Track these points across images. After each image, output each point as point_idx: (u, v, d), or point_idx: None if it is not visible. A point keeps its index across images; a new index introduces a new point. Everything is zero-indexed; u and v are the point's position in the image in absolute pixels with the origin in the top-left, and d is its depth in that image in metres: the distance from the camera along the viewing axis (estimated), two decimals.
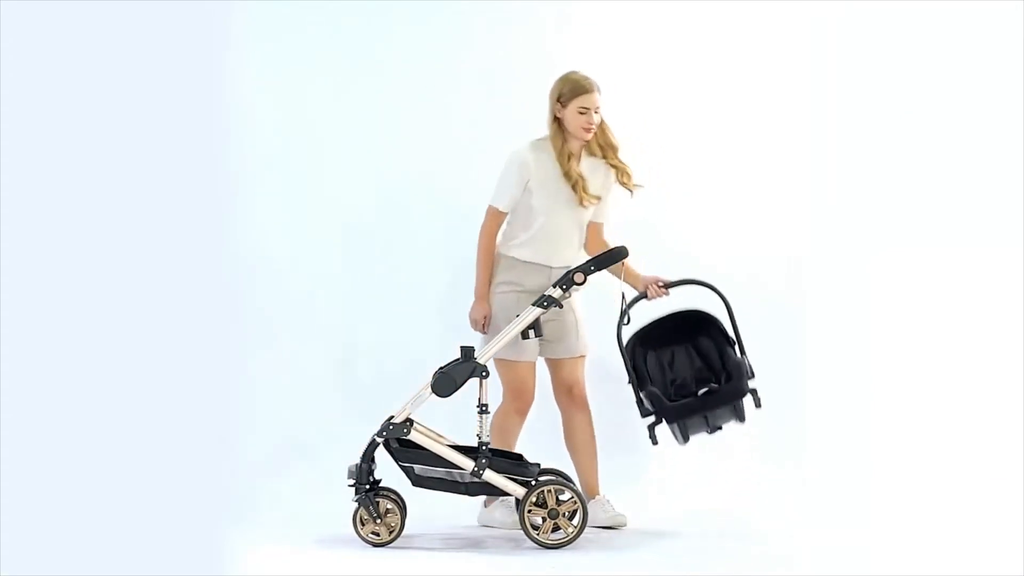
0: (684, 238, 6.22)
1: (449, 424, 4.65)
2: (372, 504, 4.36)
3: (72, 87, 2.96)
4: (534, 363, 4.68)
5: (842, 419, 5.99)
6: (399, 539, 4.40)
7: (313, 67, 6.00)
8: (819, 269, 6.20)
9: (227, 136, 3.18)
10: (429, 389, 4.39)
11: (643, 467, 5.52)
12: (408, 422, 4.40)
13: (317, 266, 5.59)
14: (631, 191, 4.71)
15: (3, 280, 2.88)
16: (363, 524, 4.39)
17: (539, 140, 4.70)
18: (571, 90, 4.62)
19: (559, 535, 4.37)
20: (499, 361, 4.61)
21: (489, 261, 4.64)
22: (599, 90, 4.64)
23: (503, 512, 4.67)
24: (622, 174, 4.69)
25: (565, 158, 4.61)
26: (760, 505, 5.06)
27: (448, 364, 4.42)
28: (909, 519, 4.76)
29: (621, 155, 4.71)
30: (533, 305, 4.41)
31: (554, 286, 4.42)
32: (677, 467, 5.52)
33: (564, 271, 4.52)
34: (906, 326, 6.17)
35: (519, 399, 4.67)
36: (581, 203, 4.61)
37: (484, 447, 4.40)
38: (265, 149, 5.75)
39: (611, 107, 6.21)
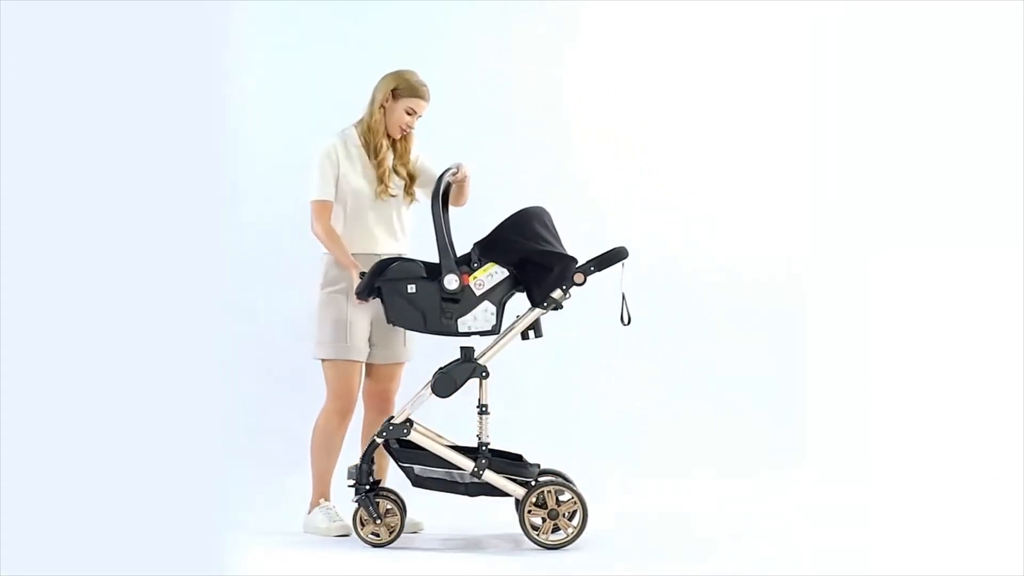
0: (684, 238, 6.23)
1: (449, 425, 4.66)
2: (372, 504, 4.36)
3: (71, 86, 2.96)
4: (361, 363, 4.62)
5: (842, 419, 6.01)
6: (399, 539, 4.40)
7: (313, 68, 6.01)
8: (819, 269, 6.21)
9: (227, 137, 3.18)
10: (429, 390, 4.39)
11: (643, 468, 5.53)
12: (408, 423, 4.40)
13: (318, 265, 5.58)
14: (409, 200, 4.68)
15: (2, 278, 2.88)
16: (363, 524, 4.39)
17: (346, 130, 4.65)
18: (409, 89, 4.60)
19: (559, 535, 4.36)
20: (327, 361, 4.59)
21: (338, 239, 4.54)
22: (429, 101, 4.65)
23: (320, 517, 4.58)
24: (408, 184, 4.66)
25: (378, 147, 4.60)
26: (760, 505, 5.06)
27: (448, 365, 4.42)
28: (909, 519, 4.76)
29: (411, 168, 4.68)
30: (535, 306, 4.39)
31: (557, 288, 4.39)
32: (677, 468, 5.53)
33: (392, 258, 4.51)
34: (906, 326, 6.18)
35: (343, 399, 4.59)
36: (380, 193, 4.58)
37: (484, 448, 4.40)
38: (266, 148, 5.76)
39: (613, 108, 6.23)
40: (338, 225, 4.59)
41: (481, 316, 4.34)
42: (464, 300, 4.33)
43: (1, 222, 2.88)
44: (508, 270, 4.35)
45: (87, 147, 2.96)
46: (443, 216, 4.37)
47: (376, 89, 4.64)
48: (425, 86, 4.64)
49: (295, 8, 6.03)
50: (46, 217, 2.92)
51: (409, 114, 4.60)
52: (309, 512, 4.63)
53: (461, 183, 4.61)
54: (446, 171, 4.47)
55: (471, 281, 4.33)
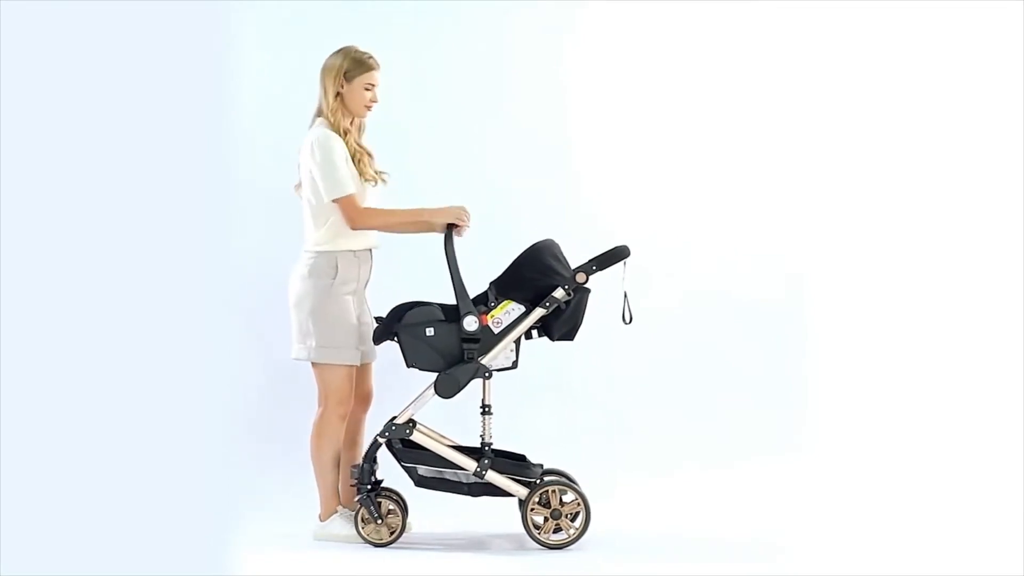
0: (684, 238, 6.23)
1: (453, 425, 4.66)
2: (373, 505, 4.36)
3: (71, 87, 2.96)
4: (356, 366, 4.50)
5: (843, 415, 6.03)
6: (400, 539, 4.39)
7: (310, 67, 6.01)
8: (819, 272, 6.23)
9: (227, 140, 3.18)
10: (432, 390, 4.38)
11: (646, 468, 5.53)
12: (411, 423, 4.39)
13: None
14: (367, 180, 4.47)
15: (2, 279, 2.88)
16: (364, 524, 4.38)
17: (321, 121, 4.46)
18: (359, 66, 4.43)
19: (561, 536, 4.36)
20: (325, 366, 4.42)
21: (392, 210, 4.43)
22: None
23: (340, 524, 4.48)
24: (363, 155, 4.50)
25: (343, 133, 4.44)
26: (763, 504, 5.05)
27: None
28: (909, 519, 4.76)
29: (364, 139, 4.55)
30: (537, 307, 4.37)
31: (559, 287, 4.38)
32: (680, 468, 5.52)
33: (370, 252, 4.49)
34: (905, 330, 6.21)
35: (345, 404, 4.46)
36: (363, 177, 4.43)
37: (487, 448, 4.40)
38: (264, 148, 5.76)
39: (613, 108, 6.23)
40: (333, 226, 4.42)
41: (501, 354, 4.37)
42: (484, 340, 4.35)
43: (1, 231, 2.88)
44: (524, 306, 4.37)
45: (87, 147, 2.96)
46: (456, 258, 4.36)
47: (324, 78, 4.45)
48: (372, 56, 4.48)
49: (291, 9, 6.03)
50: (44, 223, 2.92)
51: (368, 89, 4.45)
52: (323, 520, 4.51)
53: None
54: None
55: (489, 320, 4.35)
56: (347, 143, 4.44)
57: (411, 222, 4.45)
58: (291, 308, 4.50)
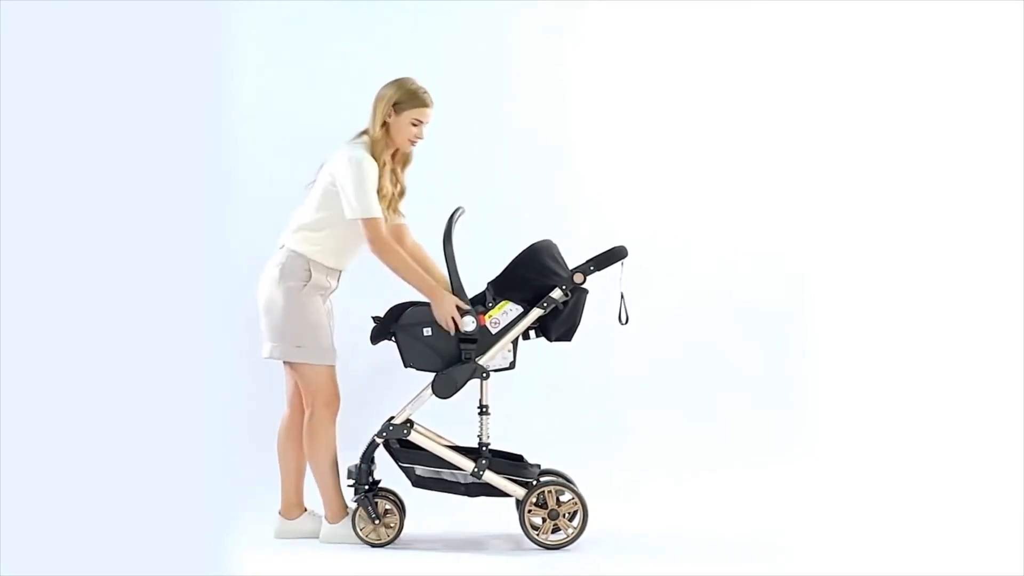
0: (683, 238, 6.24)
1: (451, 425, 4.66)
2: (371, 505, 4.36)
3: (71, 88, 2.96)
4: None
5: (843, 415, 6.04)
6: (398, 539, 4.39)
7: (310, 69, 6.01)
8: (819, 279, 6.24)
9: (227, 139, 3.18)
10: (429, 390, 4.38)
11: (643, 467, 5.53)
12: (408, 423, 4.40)
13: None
14: (391, 215, 4.42)
15: (1, 278, 2.88)
16: (362, 525, 4.38)
17: (357, 142, 4.40)
18: (411, 100, 4.37)
19: (559, 536, 4.36)
20: (306, 367, 4.37)
21: (410, 263, 4.35)
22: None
23: (344, 525, 4.44)
24: (396, 193, 4.45)
25: (380, 165, 4.37)
26: (761, 504, 5.06)
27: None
28: (909, 519, 4.77)
29: (407, 172, 4.51)
30: (535, 307, 4.37)
31: (556, 287, 4.38)
32: (678, 467, 5.53)
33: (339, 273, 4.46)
34: (905, 330, 6.22)
35: (331, 404, 4.42)
36: (387, 218, 4.35)
37: (484, 448, 4.40)
38: (266, 150, 5.76)
39: (613, 108, 6.24)
40: (329, 238, 4.38)
41: (499, 354, 4.37)
42: (481, 340, 4.35)
43: (1, 230, 2.89)
44: (522, 306, 4.36)
45: (86, 147, 2.96)
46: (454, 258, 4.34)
47: (376, 104, 4.38)
48: (427, 92, 4.41)
49: (291, 9, 6.03)
50: (44, 224, 2.92)
51: (415, 125, 4.39)
52: (332, 523, 4.46)
53: None
54: (456, 212, 4.44)
55: (487, 320, 4.35)
56: (384, 184, 4.37)
57: (419, 284, 4.35)
58: (260, 307, 4.43)
